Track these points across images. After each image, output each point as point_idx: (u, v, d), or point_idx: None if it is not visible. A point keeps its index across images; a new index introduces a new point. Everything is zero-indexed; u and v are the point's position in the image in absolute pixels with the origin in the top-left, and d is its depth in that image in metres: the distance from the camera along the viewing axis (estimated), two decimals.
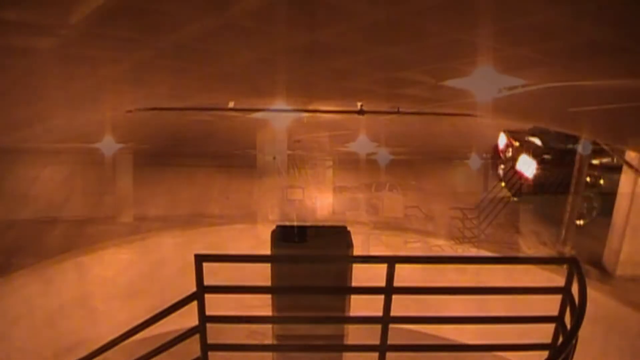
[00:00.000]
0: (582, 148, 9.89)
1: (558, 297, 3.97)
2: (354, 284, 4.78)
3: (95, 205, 17.89)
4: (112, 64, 4.87)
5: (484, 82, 5.55)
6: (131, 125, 10.61)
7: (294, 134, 12.62)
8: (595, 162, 10.49)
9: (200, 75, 5.56)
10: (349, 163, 20.87)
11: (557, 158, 10.57)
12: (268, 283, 4.69)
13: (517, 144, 11.76)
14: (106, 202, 17.80)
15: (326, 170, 23.39)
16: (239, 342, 4.13)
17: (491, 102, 6.32)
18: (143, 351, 3.93)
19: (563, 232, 9.78)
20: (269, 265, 4.86)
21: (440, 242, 11.90)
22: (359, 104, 8.12)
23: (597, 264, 9.04)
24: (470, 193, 17.40)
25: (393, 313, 3.90)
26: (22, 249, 9.33)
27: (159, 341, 3.91)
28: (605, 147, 9.79)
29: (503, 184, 12.10)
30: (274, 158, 12.49)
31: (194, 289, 3.81)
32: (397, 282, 3.85)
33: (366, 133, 12.31)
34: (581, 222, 10.66)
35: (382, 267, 3.84)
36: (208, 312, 3.88)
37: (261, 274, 4.61)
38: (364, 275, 4.30)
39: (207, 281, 3.81)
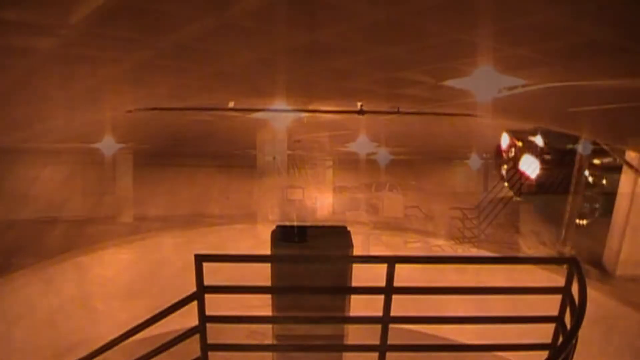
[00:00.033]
0: (583, 148, 9.90)
1: (558, 297, 3.97)
2: (354, 284, 4.78)
3: (95, 205, 17.88)
4: (112, 64, 4.87)
5: (484, 82, 5.55)
6: (131, 125, 10.61)
7: (294, 134, 12.62)
8: (596, 161, 10.49)
9: (200, 75, 5.56)
10: (349, 163, 20.88)
11: (560, 158, 10.57)
12: (268, 283, 4.69)
13: (520, 144, 11.75)
14: (106, 202, 17.80)
15: (326, 170, 23.41)
16: (239, 342, 4.12)
17: (491, 102, 6.32)
18: (143, 351, 3.92)
19: (563, 232, 9.78)
20: (269, 265, 4.86)
21: (440, 242, 11.90)
22: (359, 104, 8.12)
23: (597, 263, 9.04)
24: (470, 193, 17.40)
25: (393, 313, 3.90)
26: (22, 249, 9.33)
27: (159, 341, 3.90)
28: (605, 147, 9.80)
29: (506, 183, 12.09)
30: (274, 158, 12.49)
31: (193, 289, 3.81)
32: (397, 282, 3.85)
33: (366, 133, 12.31)
34: (584, 222, 10.66)
35: (382, 267, 3.84)
36: (208, 312, 3.87)
37: (261, 274, 4.61)
38: (364, 275, 4.30)
39: (207, 281, 3.81)
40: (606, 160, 10.37)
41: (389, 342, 3.95)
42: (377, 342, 3.95)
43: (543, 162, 10.96)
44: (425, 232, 13.40)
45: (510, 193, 12.03)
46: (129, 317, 4.49)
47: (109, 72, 5.18)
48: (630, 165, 8.59)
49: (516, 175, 11.58)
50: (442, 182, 23.81)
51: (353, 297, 4.91)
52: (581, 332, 3.55)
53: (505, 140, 12.20)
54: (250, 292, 3.90)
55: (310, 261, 4.62)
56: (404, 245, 12.31)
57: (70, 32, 3.72)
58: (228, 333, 3.96)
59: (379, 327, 3.95)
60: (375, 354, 4.00)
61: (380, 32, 3.76)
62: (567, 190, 9.79)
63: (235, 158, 18.81)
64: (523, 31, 3.53)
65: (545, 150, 11.01)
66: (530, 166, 11.08)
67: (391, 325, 3.94)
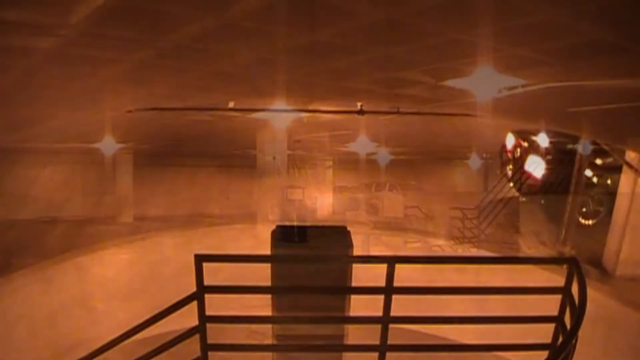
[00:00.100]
0: (583, 148, 9.91)
1: (558, 297, 3.98)
2: (354, 284, 4.78)
3: (95, 205, 17.90)
4: (112, 64, 4.87)
5: (484, 82, 5.55)
6: (131, 125, 10.61)
7: (294, 134, 12.62)
8: (599, 161, 10.48)
9: (200, 75, 5.56)
10: (349, 163, 20.90)
11: (565, 158, 10.55)
12: (268, 283, 4.69)
13: (525, 144, 11.74)
14: (106, 202, 17.81)
15: (326, 170, 23.44)
16: (239, 342, 4.12)
17: (491, 102, 6.33)
18: (143, 351, 3.92)
19: (563, 232, 9.78)
20: (269, 265, 4.86)
21: (440, 242, 11.91)
22: (359, 104, 8.11)
23: (598, 263, 9.04)
24: (470, 193, 17.40)
25: (393, 313, 3.90)
26: (22, 249, 9.33)
27: (159, 341, 3.91)
28: (605, 147, 9.80)
29: (511, 184, 12.08)
30: (274, 158, 12.48)
31: (193, 289, 3.81)
32: (397, 282, 3.85)
33: (366, 133, 12.31)
34: (589, 222, 10.64)
35: (382, 267, 3.84)
36: (208, 312, 3.87)
37: (261, 274, 4.61)
38: (364, 275, 4.30)
39: (207, 281, 3.81)
40: (610, 160, 10.36)
41: (389, 342, 3.95)
42: (377, 342, 3.95)
43: (548, 162, 10.95)
44: (425, 232, 13.40)
45: (510, 193, 12.03)
46: (129, 317, 4.50)
47: (109, 72, 5.18)
48: (630, 165, 8.59)
49: (522, 176, 11.57)
50: (442, 182, 23.84)
51: (353, 297, 4.91)
52: (581, 332, 3.55)
53: (510, 140, 12.17)
54: (250, 292, 3.90)
55: (310, 261, 4.62)
56: (404, 245, 12.31)
57: (70, 32, 3.73)
58: (228, 333, 3.96)
59: (379, 327, 3.95)
60: (375, 354, 4.00)
61: (380, 32, 3.76)
62: (573, 190, 9.81)
63: (235, 158, 18.82)
64: (523, 31, 3.53)
65: (550, 150, 11.00)
66: (535, 166, 11.07)
67: (391, 325, 3.94)
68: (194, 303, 3.84)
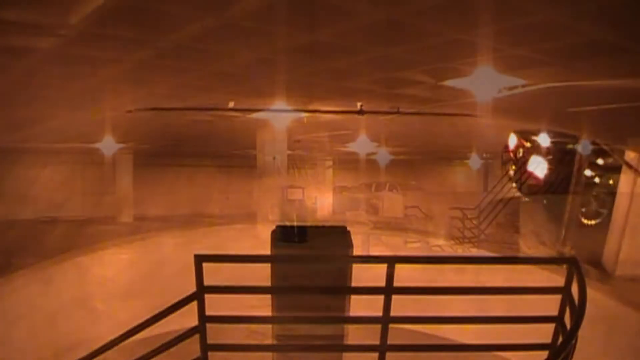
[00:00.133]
0: (585, 148, 9.91)
1: (558, 297, 3.98)
2: (354, 284, 4.78)
3: (95, 205, 17.91)
4: (112, 64, 4.87)
5: (483, 82, 5.56)
6: (131, 125, 10.61)
7: (294, 134, 12.62)
8: (601, 161, 10.46)
9: (200, 75, 5.56)
10: (349, 163, 20.91)
11: (568, 158, 10.54)
12: (268, 283, 4.69)
13: (528, 144, 11.73)
14: (106, 202, 17.82)
15: (326, 170, 23.45)
16: (239, 342, 4.12)
17: (491, 102, 6.33)
18: (143, 351, 3.92)
19: (563, 232, 9.78)
20: (269, 265, 4.86)
21: (440, 242, 11.90)
22: (359, 104, 8.11)
23: (597, 263, 9.04)
24: (470, 193, 17.40)
25: (393, 313, 3.90)
26: (22, 249, 9.33)
27: (159, 341, 3.90)
28: (605, 147, 9.79)
29: (514, 184, 12.07)
30: (274, 158, 12.47)
31: (193, 289, 3.81)
32: (397, 282, 3.85)
33: (366, 133, 12.31)
34: (592, 222, 10.62)
35: (382, 267, 3.84)
36: (208, 312, 3.87)
37: (261, 274, 4.61)
38: (365, 274, 4.30)
39: (207, 281, 3.81)
40: (612, 160, 10.34)
41: (389, 342, 3.95)
42: (377, 342, 3.95)
43: (549, 162, 10.95)
44: (425, 232, 13.40)
45: (510, 193, 12.02)
46: (129, 317, 4.49)
47: (109, 72, 5.18)
48: (629, 166, 8.59)
49: (524, 176, 11.55)
50: (442, 182, 23.85)
51: (353, 297, 4.91)
52: (581, 332, 3.55)
53: (512, 140, 12.15)
54: (250, 292, 3.90)
55: (310, 261, 4.62)
56: (404, 245, 12.31)
57: (70, 32, 3.73)
58: (228, 333, 3.96)
59: (379, 327, 3.94)
60: (375, 354, 4.00)
61: (380, 32, 3.76)
62: (574, 190, 9.80)
63: (235, 158, 18.82)
64: (523, 31, 3.53)
65: (551, 150, 10.99)
66: (538, 166, 11.06)
67: (391, 325, 3.94)
68: (194, 303, 3.84)
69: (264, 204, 12.57)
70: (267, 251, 4.99)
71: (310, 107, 8.44)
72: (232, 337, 4.01)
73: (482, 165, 21.54)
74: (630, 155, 8.60)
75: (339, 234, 5.30)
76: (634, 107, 5.65)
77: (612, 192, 9.84)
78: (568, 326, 3.69)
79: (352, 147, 15.32)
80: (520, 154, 11.89)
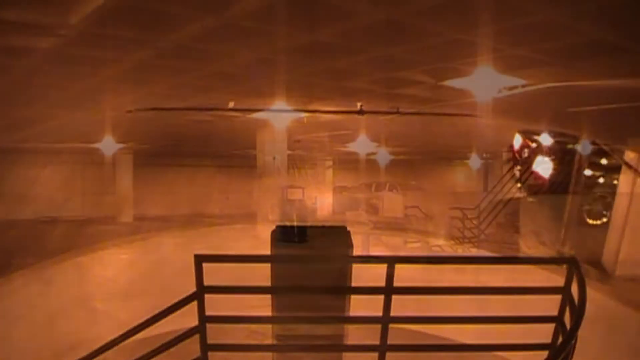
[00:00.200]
0: (585, 148, 9.91)
1: (558, 297, 3.98)
2: (354, 284, 4.78)
3: (95, 205, 17.92)
4: (113, 64, 4.87)
5: (483, 82, 5.56)
6: (131, 125, 10.61)
7: (294, 134, 12.62)
8: (605, 161, 10.45)
9: (200, 75, 5.57)
10: (349, 163, 20.91)
11: (572, 157, 10.53)
12: (268, 283, 4.69)
13: (533, 144, 11.72)
14: (106, 202, 17.83)
15: (326, 170, 23.45)
16: (239, 342, 4.12)
17: (491, 102, 6.33)
18: (143, 351, 3.92)
19: (562, 231, 9.77)
20: (269, 265, 4.86)
21: (440, 242, 11.90)
22: (359, 104, 8.10)
23: (598, 263, 9.04)
24: (470, 193, 17.39)
25: (393, 313, 3.90)
26: (22, 249, 9.33)
27: (159, 341, 3.90)
28: (605, 147, 9.79)
29: (519, 184, 12.05)
30: (274, 158, 12.46)
31: (193, 289, 3.81)
32: (397, 282, 3.85)
33: (366, 133, 12.31)
34: (598, 222, 10.60)
35: (382, 267, 3.84)
36: (208, 312, 3.87)
37: (261, 274, 4.61)
38: (365, 274, 4.30)
39: (207, 281, 3.81)
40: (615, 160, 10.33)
41: (389, 342, 3.95)
42: (377, 342, 3.94)
43: (555, 162, 10.94)
44: (425, 232, 13.40)
45: (510, 194, 12.01)
46: (129, 317, 4.49)
47: (109, 72, 5.18)
48: (629, 166, 8.58)
49: (530, 176, 11.54)
50: (442, 182, 23.85)
51: (353, 297, 4.91)
52: (581, 332, 3.55)
53: (517, 141, 12.13)
54: (250, 292, 3.90)
55: (310, 261, 4.61)
56: (404, 245, 12.31)
57: (70, 32, 3.73)
58: (228, 333, 3.96)
59: (378, 327, 3.94)
60: (375, 354, 4.00)
61: (380, 32, 3.77)
62: (579, 190, 9.81)
63: (235, 158, 18.82)
64: (523, 31, 3.54)
65: (557, 150, 10.98)
66: (543, 166, 11.06)
67: (391, 325, 3.93)
68: (194, 303, 3.84)
69: (264, 204, 12.56)
70: (267, 251, 4.99)
71: (310, 107, 8.44)
72: (232, 337, 4.01)
73: (482, 165, 21.55)
74: (630, 155, 8.60)
75: (339, 234, 5.29)
76: (634, 107, 5.65)
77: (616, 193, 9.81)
78: (568, 326, 3.69)
79: (352, 147, 15.31)
80: (526, 154, 11.87)
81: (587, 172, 10.50)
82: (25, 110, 7.58)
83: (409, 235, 12.87)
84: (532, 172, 11.39)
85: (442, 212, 13.63)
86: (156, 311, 3.88)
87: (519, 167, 12.23)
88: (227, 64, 4.91)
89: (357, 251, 5.36)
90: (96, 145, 13.50)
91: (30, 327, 7.86)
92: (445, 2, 3.10)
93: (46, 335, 8.09)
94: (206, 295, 3.83)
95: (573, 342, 3.51)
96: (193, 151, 17.64)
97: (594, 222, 10.61)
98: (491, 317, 4.12)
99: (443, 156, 21.80)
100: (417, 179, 23.20)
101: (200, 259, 3.73)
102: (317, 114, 8.96)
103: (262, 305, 4.75)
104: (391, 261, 3.80)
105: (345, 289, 4.68)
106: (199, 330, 3.84)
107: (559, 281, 3.99)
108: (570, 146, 10.59)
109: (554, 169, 10.89)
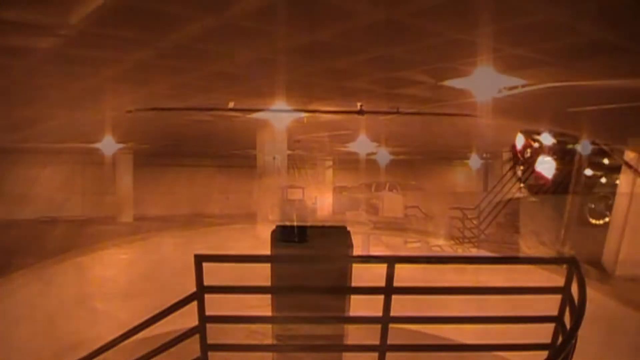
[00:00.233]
0: (585, 148, 9.91)
1: (558, 297, 3.98)
2: (354, 284, 4.78)
3: (95, 205, 17.93)
4: (113, 64, 4.88)
5: (484, 82, 5.56)
6: (131, 125, 10.62)
7: (294, 134, 12.62)
8: (607, 161, 10.45)
9: (200, 75, 5.57)
10: (349, 163, 20.91)
11: (575, 157, 10.52)
12: (268, 283, 4.69)
13: (535, 144, 11.70)
14: (106, 202, 17.84)
15: (326, 170, 23.46)
16: (239, 342, 4.12)
17: (491, 102, 6.33)
18: (143, 351, 3.92)
19: (562, 231, 9.78)
20: (269, 265, 4.86)
21: (440, 242, 11.91)
22: (358, 104, 8.10)
23: (597, 263, 9.04)
24: (470, 193, 17.39)
25: (393, 313, 3.90)
26: (22, 249, 9.33)
27: (159, 341, 3.90)
28: (605, 147, 9.79)
29: (522, 184, 12.04)
30: (274, 158, 12.47)
31: (193, 288, 3.81)
32: (397, 282, 3.85)
33: (366, 133, 12.31)
34: (601, 221, 10.59)
35: (382, 267, 3.84)
36: (208, 312, 3.87)
37: (261, 274, 4.61)
38: (365, 274, 4.30)
39: (207, 281, 3.81)
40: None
41: (389, 342, 3.95)
42: (377, 342, 3.94)
43: (558, 161, 10.93)
44: (425, 232, 13.41)
45: (510, 194, 12.01)
46: (129, 317, 4.50)
47: (109, 72, 5.18)
48: (629, 166, 8.58)
49: (532, 176, 11.53)
50: (442, 182, 23.85)
51: (353, 297, 4.91)
52: (581, 332, 3.55)
53: (520, 140, 12.12)
54: (250, 292, 3.90)
55: (310, 261, 4.61)
56: (404, 245, 12.31)
57: (70, 32, 3.73)
58: (228, 333, 3.96)
59: (378, 327, 3.94)
60: (375, 354, 4.00)
61: (380, 32, 3.77)
62: (581, 190, 9.81)
63: (235, 158, 18.83)
64: (523, 31, 3.54)
65: (560, 150, 10.97)
66: (546, 166, 11.04)
67: (391, 325, 3.93)
68: (194, 303, 3.84)
69: (264, 204, 12.56)
70: (267, 251, 4.99)
71: (310, 107, 8.44)
72: (232, 337, 4.01)
73: (482, 165, 21.56)
74: (630, 155, 8.60)
75: (339, 234, 5.29)
76: (634, 107, 5.65)
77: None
78: (568, 326, 3.69)
79: (352, 147, 15.31)
80: (528, 154, 11.86)
81: (588, 171, 10.50)
82: (25, 110, 7.58)
83: (409, 235, 12.87)
84: (535, 172, 11.38)
85: (442, 212, 13.63)
86: (156, 311, 3.88)
87: (521, 167, 12.21)
88: (227, 64, 4.91)
89: (357, 251, 5.36)
90: (96, 145, 13.51)
91: (30, 327, 7.87)
92: (445, 2, 3.10)
93: (46, 335, 8.09)
94: (206, 295, 3.83)
95: (573, 342, 3.51)
96: (193, 151, 17.65)
97: (597, 222, 10.60)
98: (491, 317, 4.11)
99: (443, 156, 21.81)
100: (417, 179, 23.20)
101: (200, 259, 3.73)
102: (317, 114, 8.96)
103: (262, 305, 4.76)
104: (391, 261, 3.79)
105: (345, 289, 4.68)
106: (199, 330, 3.84)
107: (559, 281, 3.99)
108: (571, 146, 10.58)
109: (557, 169, 10.88)
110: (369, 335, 3.97)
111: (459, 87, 5.70)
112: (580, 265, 3.92)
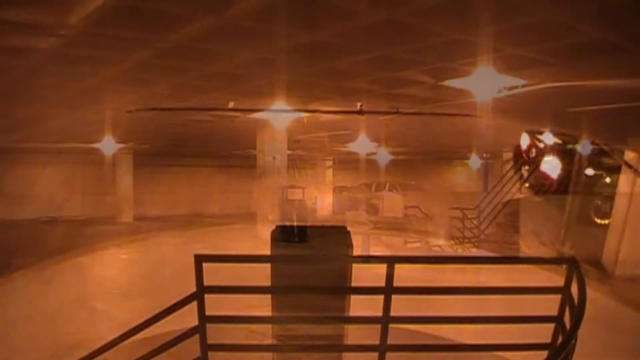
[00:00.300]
0: (585, 148, 9.91)
1: (558, 297, 3.98)
2: (354, 284, 4.78)
3: (95, 205, 17.93)
4: (112, 64, 4.87)
5: (484, 82, 5.56)
6: (131, 125, 10.63)
7: (294, 134, 12.62)
8: (609, 161, 10.44)
9: (200, 75, 5.57)
10: (349, 163, 20.91)
11: (580, 158, 10.50)
12: (268, 283, 4.69)
13: (540, 144, 11.68)
14: (106, 202, 17.84)
15: (326, 170, 23.45)
16: (239, 342, 4.12)
17: (491, 102, 6.33)
18: (143, 351, 3.92)
19: (562, 231, 9.77)
20: (269, 265, 4.86)
21: (440, 242, 11.91)
22: (358, 104, 8.10)
23: (597, 263, 9.04)
24: (470, 193, 17.38)
25: (393, 313, 3.90)
26: (22, 249, 9.33)
27: (159, 341, 3.90)
28: (605, 148, 9.78)
29: (527, 184, 12.02)
30: (274, 158, 12.47)
31: (193, 288, 3.81)
32: (397, 282, 3.85)
33: (366, 133, 12.31)
34: (605, 221, 10.57)
35: (383, 267, 3.84)
36: (208, 312, 3.87)
37: (261, 274, 4.61)
38: (366, 274, 4.30)
39: (207, 281, 3.81)
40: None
41: (389, 342, 3.95)
42: (377, 342, 3.95)
43: (563, 162, 10.92)
44: (425, 232, 13.41)
45: (510, 194, 12.01)
46: (129, 317, 4.50)
47: (109, 72, 5.18)
48: (629, 166, 8.58)
49: (538, 176, 11.51)
50: (442, 182, 23.85)
51: (353, 297, 4.91)
52: (580, 332, 3.55)
53: (525, 140, 12.09)
54: (250, 292, 3.90)
55: (310, 261, 4.61)
56: (404, 245, 12.31)
57: (70, 32, 3.73)
58: (228, 333, 3.96)
59: (378, 327, 3.94)
60: (375, 354, 4.00)
61: (380, 32, 3.77)
62: (585, 190, 9.81)
63: (235, 158, 18.82)
64: (523, 31, 3.54)
65: (564, 150, 10.95)
66: (551, 166, 11.03)
67: (391, 325, 3.94)
68: (194, 303, 3.84)
69: (264, 204, 12.56)
70: (267, 251, 4.99)
71: (310, 107, 8.43)
72: (232, 337, 4.01)
73: (482, 165, 21.56)
74: (630, 155, 8.60)
75: (339, 234, 5.29)
76: (634, 107, 5.66)
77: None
78: (568, 326, 3.69)
79: (352, 147, 15.31)
80: (533, 154, 11.84)
81: (592, 172, 10.50)
82: (25, 110, 7.58)
83: (409, 235, 12.88)
84: (541, 172, 11.35)
85: (442, 212, 13.63)
86: (156, 311, 3.89)
87: (526, 167, 12.19)
88: (227, 64, 4.91)
89: (357, 251, 5.36)
90: (96, 145, 13.51)
91: (30, 327, 7.86)
92: (445, 2, 3.10)
93: (46, 335, 8.09)
94: (206, 296, 3.84)
95: (573, 342, 3.51)
96: (193, 151, 17.65)
97: (601, 222, 10.58)
98: (491, 317, 4.11)
99: (443, 156, 21.80)
100: (417, 179, 23.20)
101: (200, 259, 3.73)
102: (317, 114, 8.96)
103: (262, 305, 4.76)
104: (391, 261, 3.79)
105: (345, 289, 4.68)
106: (199, 330, 3.84)
107: (559, 281, 3.99)
108: (574, 146, 10.58)
109: (562, 169, 10.87)
110: (369, 335, 3.97)
111: (459, 87, 5.70)
112: (580, 265, 3.92)
